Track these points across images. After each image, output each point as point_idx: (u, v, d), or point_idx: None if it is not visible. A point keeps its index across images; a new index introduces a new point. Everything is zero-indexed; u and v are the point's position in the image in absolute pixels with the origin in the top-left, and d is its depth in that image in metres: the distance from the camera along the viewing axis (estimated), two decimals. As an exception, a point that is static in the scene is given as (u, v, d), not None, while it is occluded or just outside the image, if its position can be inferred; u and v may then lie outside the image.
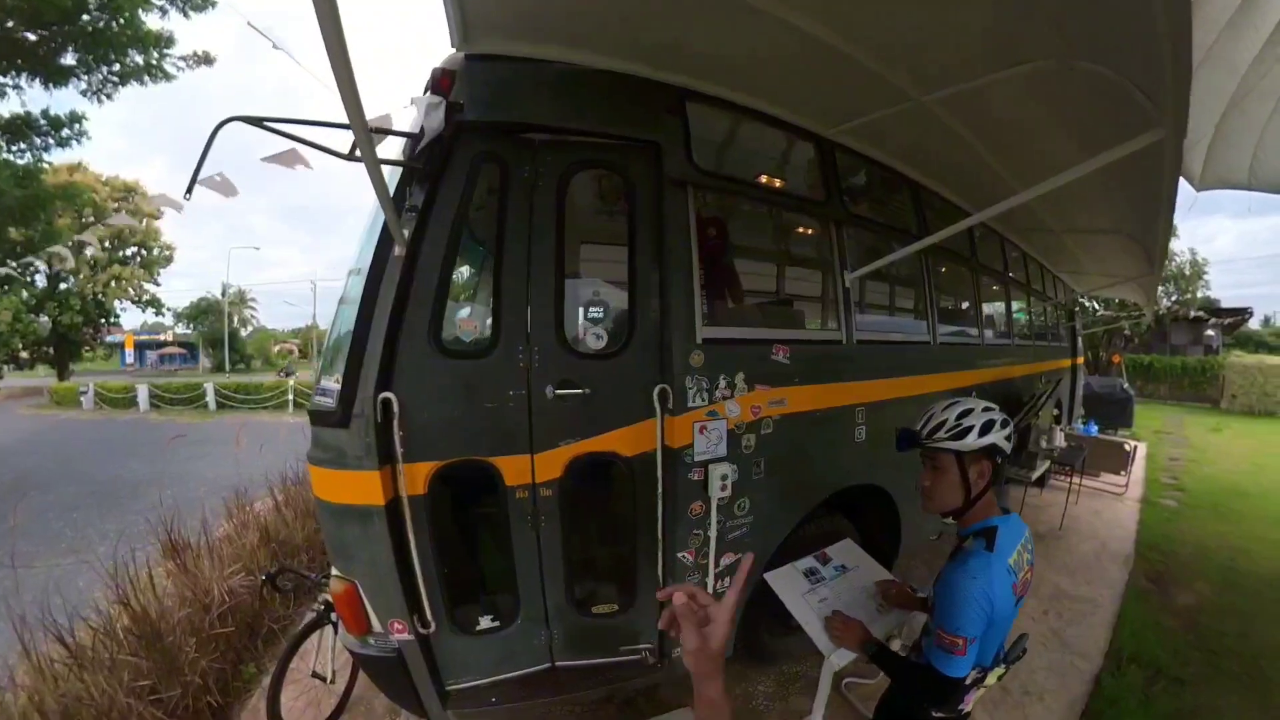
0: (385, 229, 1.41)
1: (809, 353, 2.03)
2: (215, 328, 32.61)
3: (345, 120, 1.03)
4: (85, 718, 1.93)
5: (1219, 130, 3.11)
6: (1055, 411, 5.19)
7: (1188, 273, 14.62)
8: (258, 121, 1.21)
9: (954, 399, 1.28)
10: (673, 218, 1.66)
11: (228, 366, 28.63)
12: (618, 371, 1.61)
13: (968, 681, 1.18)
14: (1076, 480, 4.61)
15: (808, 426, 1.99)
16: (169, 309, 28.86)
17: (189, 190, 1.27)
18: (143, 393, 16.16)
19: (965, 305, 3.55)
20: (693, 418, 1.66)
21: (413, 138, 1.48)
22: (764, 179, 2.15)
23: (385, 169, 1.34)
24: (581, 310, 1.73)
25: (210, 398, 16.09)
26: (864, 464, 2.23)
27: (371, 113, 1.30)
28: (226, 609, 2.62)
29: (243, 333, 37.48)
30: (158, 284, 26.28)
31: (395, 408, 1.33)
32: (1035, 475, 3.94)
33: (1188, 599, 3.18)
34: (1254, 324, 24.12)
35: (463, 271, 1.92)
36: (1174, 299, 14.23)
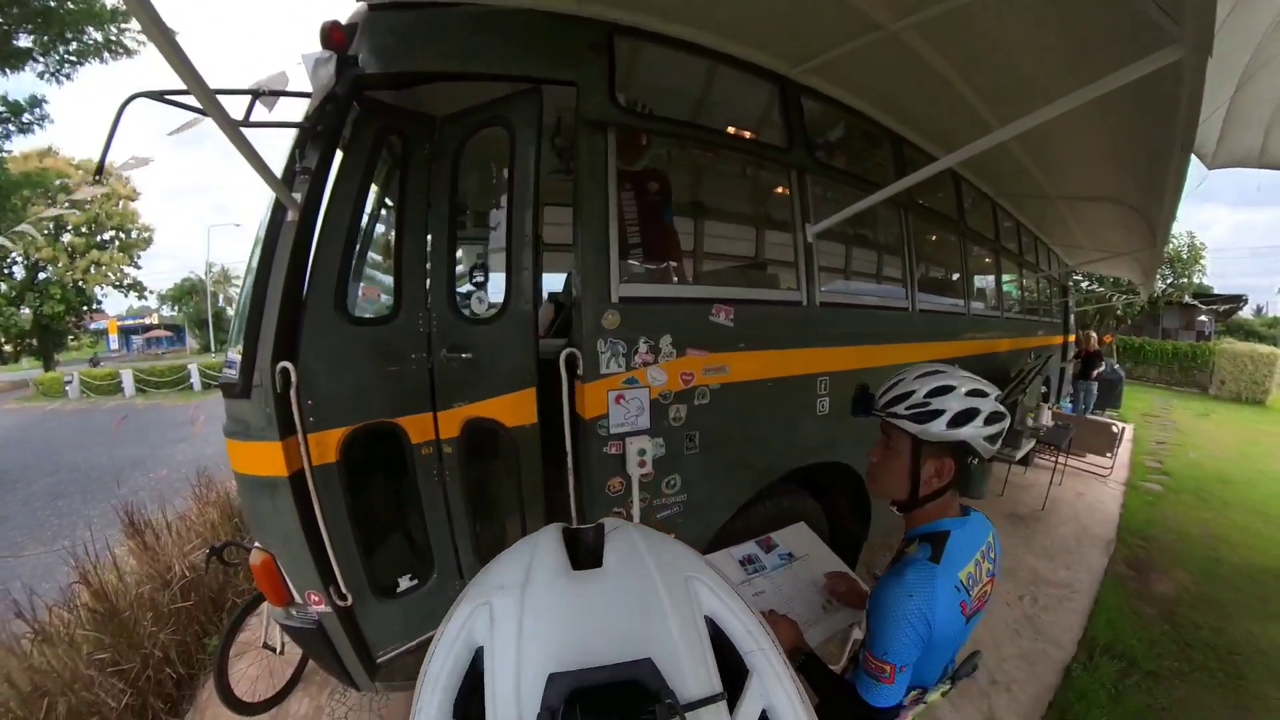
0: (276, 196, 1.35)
1: (759, 314, 1.79)
2: (200, 308, 31.80)
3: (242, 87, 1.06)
4: (51, 688, 2.01)
5: (1233, 104, 2.85)
6: (1043, 389, 5.04)
7: (1185, 256, 14.25)
8: (159, 96, 1.22)
9: (939, 368, 0.98)
10: (587, 163, 1.49)
11: (213, 346, 27.66)
12: (497, 337, 1.53)
13: (906, 702, 0.94)
14: (1062, 461, 4.47)
15: (756, 397, 1.76)
16: (152, 292, 28.15)
17: (98, 172, 1.26)
18: (127, 378, 16.09)
19: (951, 273, 3.31)
20: (607, 385, 1.47)
21: (302, 96, 1.41)
22: (711, 122, 1.86)
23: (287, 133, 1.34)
24: (469, 274, 1.66)
25: (195, 379, 16.02)
26: (827, 439, 2.01)
27: (268, 72, 1.35)
28: (188, 583, 2.62)
29: (228, 311, 37.13)
30: (138, 267, 25.71)
31: (293, 376, 1.29)
32: (1020, 455, 3.78)
33: (1166, 588, 3.09)
34: (1245, 313, 23.93)
35: (365, 236, 1.77)
36: (1169, 282, 13.89)
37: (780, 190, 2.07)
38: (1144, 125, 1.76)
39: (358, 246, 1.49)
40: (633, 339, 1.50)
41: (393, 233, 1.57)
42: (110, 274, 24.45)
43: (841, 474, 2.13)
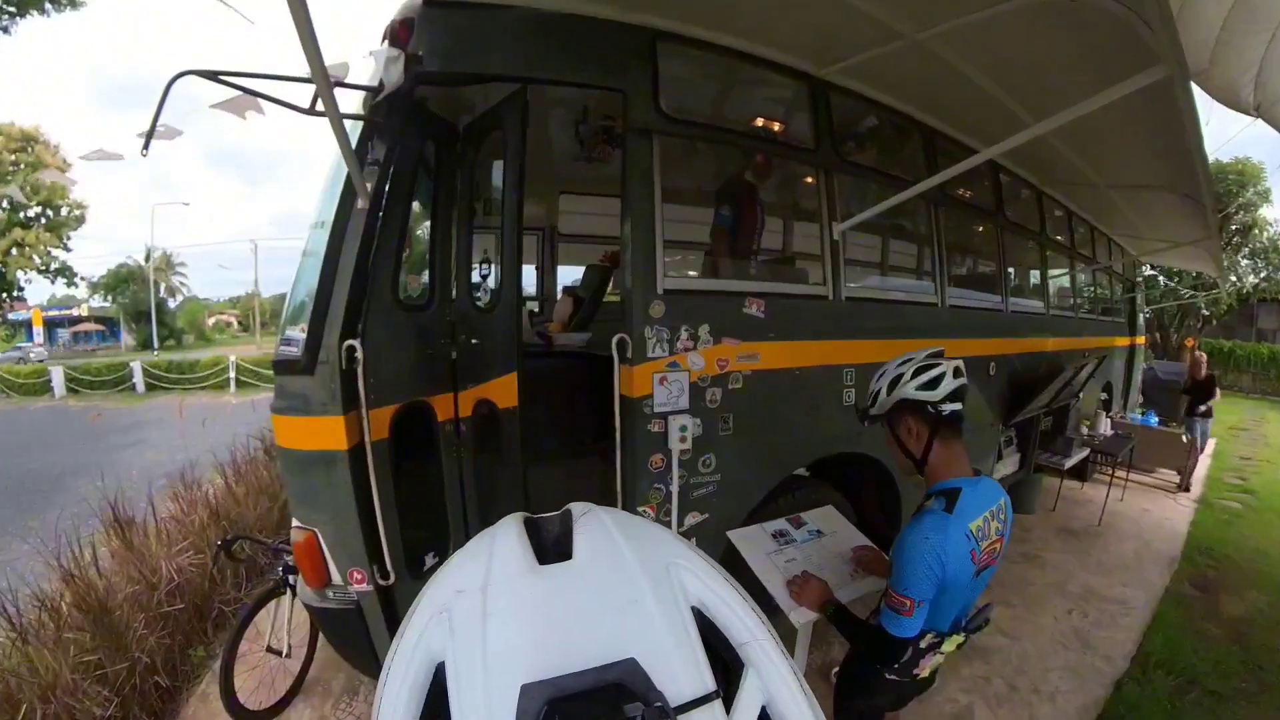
0: (348, 182, 1.59)
1: (788, 307, 2.16)
2: (139, 298, 30.95)
3: (301, 74, 1.16)
4: (28, 694, 2.13)
5: (1268, 54, 3.08)
6: (1103, 396, 5.30)
7: (1280, 245, 14.07)
8: (213, 75, 1.35)
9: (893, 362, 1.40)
10: (635, 169, 1.80)
11: (155, 343, 27.01)
12: (494, 328, 1.87)
13: (922, 645, 1.29)
14: (1122, 474, 4.70)
15: (785, 384, 2.13)
16: (82, 278, 26.79)
17: (145, 146, 1.41)
18: (57, 376, 16.11)
19: (987, 267, 3.62)
20: (652, 368, 1.83)
21: (372, 90, 1.65)
22: (744, 124, 2.27)
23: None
24: (477, 269, 2.04)
25: (138, 378, 16.08)
26: (852, 430, 2.34)
27: (328, 60, 1.40)
28: (175, 587, 2.84)
29: (171, 303, 35.68)
30: (68, 249, 24.57)
31: (359, 354, 1.52)
32: (1069, 463, 4.02)
33: (1238, 609, 3.23)
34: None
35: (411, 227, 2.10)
36: (1262, 275, 13.72)
37: (809, 180, 2.43)
38: (1155, 124, 2.13)
39: (406, 236, 1.79)
40: (675, 327, 1.85)
41: (421, 227, 1.90)
42: (35, 256, 23.65)
43: (868, 468, 2.46)
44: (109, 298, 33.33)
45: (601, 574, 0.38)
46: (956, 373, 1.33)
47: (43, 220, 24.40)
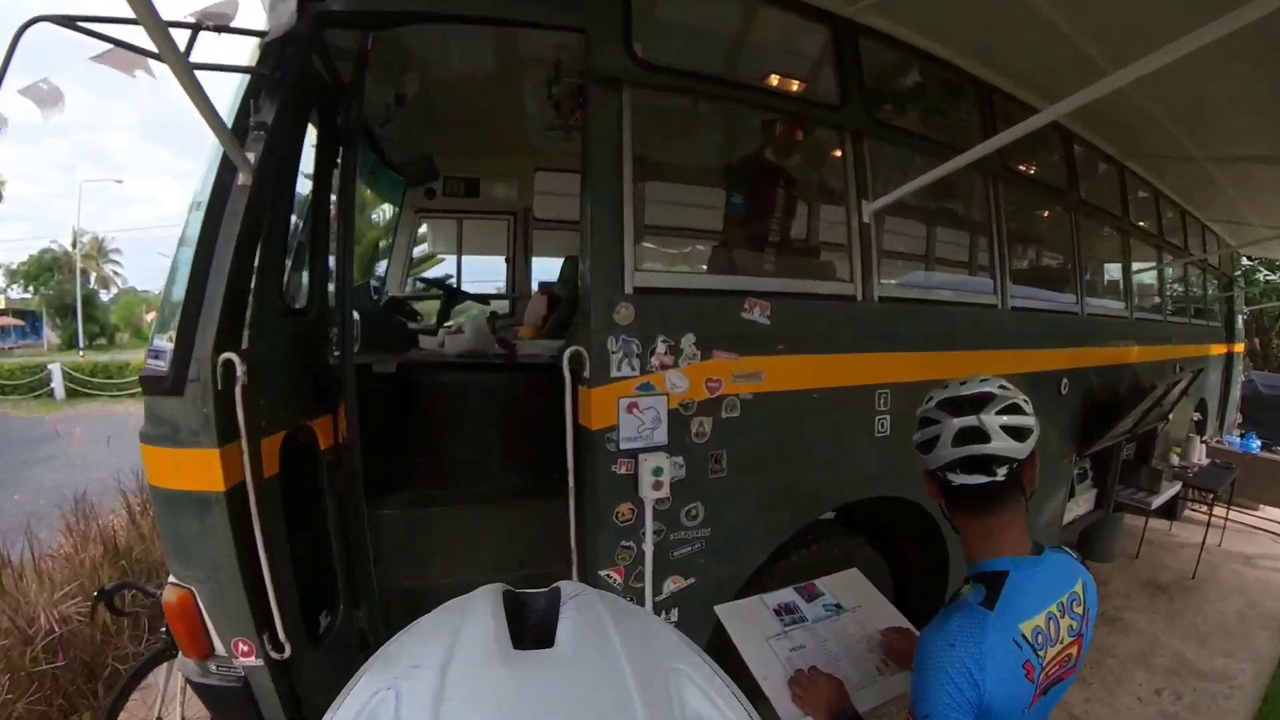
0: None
1: (804, 311, 1.99)
2: (65, 290, 30.21)
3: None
4: None
5: None
6: (1196, 416, 5.09)
7: None
8: (69, 21, 1.28)
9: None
10: (598, 129, 1.67)
11: (82, 342, 26.07)
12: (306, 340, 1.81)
13: None
14: (1220, 512, 4.48)
15: (799, 411, 1.96)
16: None
17: None
18: None
19: (1058, 260, 3.44)
20: (617, 391, 1.66)
21: (258, 35, 1.56)
22: (746, 75, 2.08)
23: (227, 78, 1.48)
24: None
25: (57, 383, 16.05)
26: (888, 468, 2.18)
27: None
28: (56, 640, 2.72)
29: (103, 295, 34.81)
30: None
31: (239, 370, 1.41)
32: (1158, 501, 3.81)
33: None
34: None
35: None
36: None
37: (835, 153, 2.24)
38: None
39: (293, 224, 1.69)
40: (649, 337, 1.68)
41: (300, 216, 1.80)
42: None
43: (908, 514, 2.28)
44: (30, 288, 32.83)
45: (586, 671, 0.37)
46: (962, 436, 1.08)
47: (-52, 199, 24.35)
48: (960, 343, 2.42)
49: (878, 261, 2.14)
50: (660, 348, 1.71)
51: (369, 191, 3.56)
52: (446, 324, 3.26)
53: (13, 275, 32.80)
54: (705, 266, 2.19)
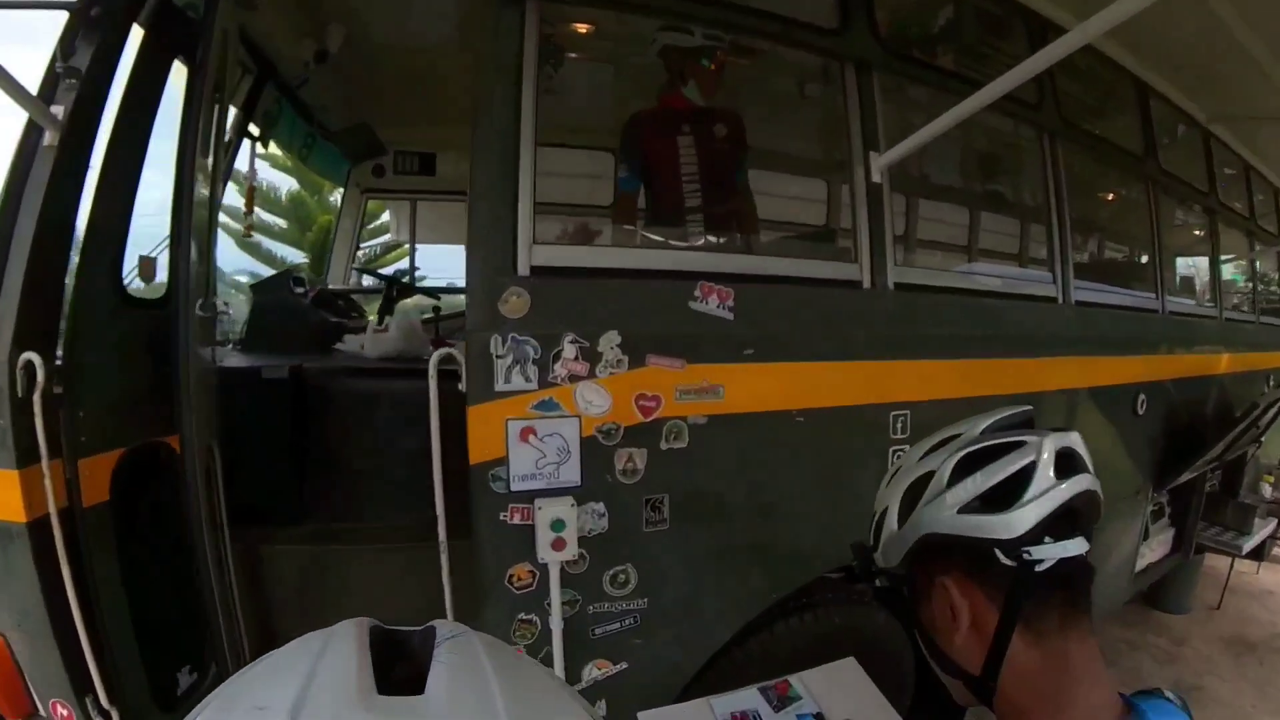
0: None
1: (782, 301, 1.59)
2: None
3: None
4: None
5: None
6: None
7: None
8: None
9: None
10: (492, 53, 1.41)
11: None
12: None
13: None
14: None
15: (775, 441, 1.55)
16: None
17: None
18: None
19: (1133, 245, 3.00)
20: (504, 410, 1.32)
21: None
22: None
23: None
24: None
25: None
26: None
27: None
28: None
29: None
30: None
31: (39, 374, 1.27)
32: (1250, 545, 3.31)
33: None
34: None
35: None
36: None
37: (828, 85, 1.90)
38: None
39: (138, 182, 1.53)
40: (551, 335, 1.32)
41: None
42: None
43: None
44: None
45: None
46: (1065, 462, 0.67)
47: None
48: (1009, 348, 1.96)
49: (892, 236, 1.69)
50: (568, 351, 1.33)
51: (304, 167, 3.26)
52: (377, 323, 2.91)
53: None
54: (635, 238, 1.78)
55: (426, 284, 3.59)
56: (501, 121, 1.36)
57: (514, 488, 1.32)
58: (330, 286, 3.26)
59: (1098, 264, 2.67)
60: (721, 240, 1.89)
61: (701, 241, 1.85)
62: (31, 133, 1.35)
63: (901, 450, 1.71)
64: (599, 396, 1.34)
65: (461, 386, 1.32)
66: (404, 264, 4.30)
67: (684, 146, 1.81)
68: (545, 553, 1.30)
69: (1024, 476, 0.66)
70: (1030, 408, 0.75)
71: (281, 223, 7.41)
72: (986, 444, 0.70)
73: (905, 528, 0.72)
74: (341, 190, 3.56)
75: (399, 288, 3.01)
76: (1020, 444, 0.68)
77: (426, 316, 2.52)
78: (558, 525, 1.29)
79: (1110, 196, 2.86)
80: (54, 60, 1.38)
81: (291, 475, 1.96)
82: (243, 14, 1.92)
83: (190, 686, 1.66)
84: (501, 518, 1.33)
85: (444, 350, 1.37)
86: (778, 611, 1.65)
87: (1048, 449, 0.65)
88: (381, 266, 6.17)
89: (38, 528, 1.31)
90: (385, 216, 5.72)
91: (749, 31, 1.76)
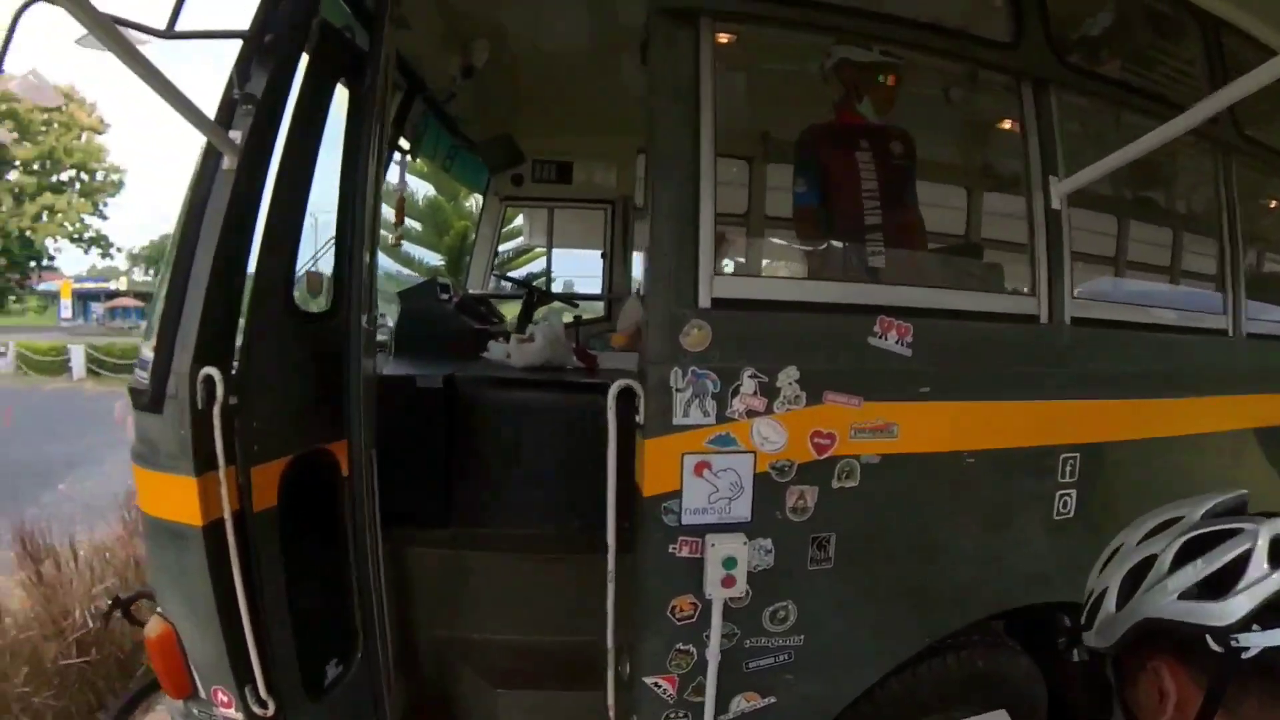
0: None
1: (959, 336, 1.51)
2: None
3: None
4: None
5: None
6: None
7: None
8: None
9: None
10: (662, 77, 1.39)
11: None
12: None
13: None
14: None
15: (945, 482, 1.48)
16: (119, 249, 29.18)
17: None
18: (76, 355, 17.01)
19: None
20: (682, 444, 1.30)
21: None
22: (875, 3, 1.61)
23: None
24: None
25: None
26: (1067, 562, 1.62)
27: None
28: (89, 636, 2.65)
29: None
30: (104, 217, 26.39)
31: (219, 388, 1.31)
32: None
33: None
34: None
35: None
36: None
37: (1003, 107, 1.82)
38: None
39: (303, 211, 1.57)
40: (731, 370, 1.29)
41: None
42: (67, 223, 25.42)
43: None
44: (150, 271, 34.55)
45: None
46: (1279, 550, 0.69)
47: (76, 185, 26.93)
48: (1175, 386, 1.80)
49: (1070, 267, 1.56)
50: (747, 386, 1.31)
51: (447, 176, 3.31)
52: (519, 331, 2.93)
53: (134, 258, 36.35)
54: (816, 261, 1.74)
55: (556, 285, 3.62)
56: (679, 150, 1.34)
57: (685, 521, 1.31)
58: (471, 291, 3.35)
59: (1272, 288, 2.38)
60: (899, 267, 1.83)
61: (882, 264, 1.79)
62: (210, 156, 1.39)
63: (1067, 494, 1.61)
64: (775, 433, 1.31)
65: (639, 419, 1.30)
66: (532, 267, 4.34)
67: (863, 163, 1.75)
68: (714, 589, 1.29)
69: (1239, 564, 0.68)
70: (1245, 492, 0.76)
71: (418, 226, 7.74)
72: (1207, 529, 0.71)
73: (1123, 611, 0.74)
74: (480, 197, 3.63)
75: (539, 295, 3.05)
76: (1238, 531, 0.70)
77: (567, 321, 2.53)
78: (729, 563, 1.27)
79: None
80: (230, 87, 1.43)
81: (440, 481, 2.00)
82: (398, 35, 1.98)
83: (336, 678, 1.70)
84: (670, 550, 1.32)
85: (623, 382, 1.36)
86: (925, 652, 1.58)
87: (1264, 537, 0.67)
88: (513, 269, 6.27)
89: (212, 530, 1.35)
90: (518, 221, 5.79)
91: (929, 49, 1.68)
